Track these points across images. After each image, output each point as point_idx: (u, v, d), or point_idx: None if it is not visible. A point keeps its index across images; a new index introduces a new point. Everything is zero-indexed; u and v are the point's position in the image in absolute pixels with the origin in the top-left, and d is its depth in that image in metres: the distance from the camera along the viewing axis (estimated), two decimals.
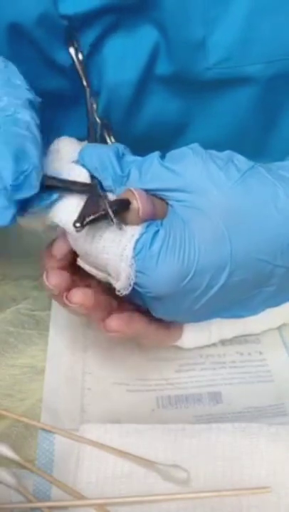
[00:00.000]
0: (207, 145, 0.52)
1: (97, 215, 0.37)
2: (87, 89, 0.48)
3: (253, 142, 0.55)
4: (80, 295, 0.39)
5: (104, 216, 0.37)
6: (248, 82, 0.50)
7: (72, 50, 0.48)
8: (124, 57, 0.49)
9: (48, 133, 0.49)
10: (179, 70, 0.50)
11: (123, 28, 0.48)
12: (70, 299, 0.39)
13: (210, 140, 0.54)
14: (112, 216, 0.37)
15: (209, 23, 0.47)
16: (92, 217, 0.36)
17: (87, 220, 0.36)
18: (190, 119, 0.54)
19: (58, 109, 0.50)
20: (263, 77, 0.50)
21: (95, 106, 0.49)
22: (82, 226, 0.36)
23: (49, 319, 0.49)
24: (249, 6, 0.46)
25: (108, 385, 0.45)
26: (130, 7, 0.46)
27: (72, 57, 0.48)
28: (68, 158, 0.41)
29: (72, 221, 0.36)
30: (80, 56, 0.48)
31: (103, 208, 0.37)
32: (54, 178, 0.40)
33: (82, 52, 0.48)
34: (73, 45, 0.48)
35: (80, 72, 0.48)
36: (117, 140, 0.50)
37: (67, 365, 0.46)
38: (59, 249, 0.41)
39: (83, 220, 0.36)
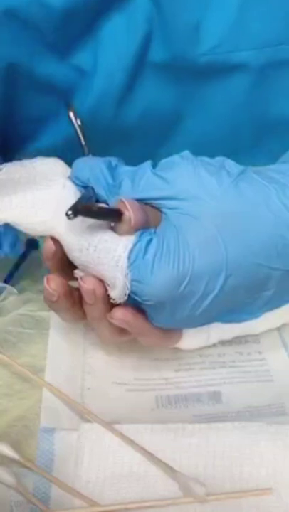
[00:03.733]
0: (202, 137, 0.52)
1: (90, 205, 0.38)
2: (86, 148, 0.49)
3: (247, 135, 0.55)
4: (93, 280, 0.39)
5: (96, 213, 0.38)
6: (240, 69, 0.50)
7: (71, 114, 0.49)
8: (118, 39, 0.49)
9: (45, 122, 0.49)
10: (172, 55, 0.50)
11: (121, 9, 0.48)
12: (85, 282, 0.39)
13: (205, 132, 0.55)
14: (105, 209, 0.38)
15: (204, 6, 0.47)
16: (82, 207, 0.37)
17: (80, 207, 0.36)
18: (184, 109, 0.54)
19: (52, 97, 0.50)
20: (255, 64, 0.50)
21: None
22: (75, 215, 0.36)
23: (49, 319, 0.49)
24: None
25: (108, 385, 0.45)
26: None
27: (71, 121, 0.49)
28: (59, 174, 0.42)
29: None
30: (79, 121, 0.49)
31: (96, 206, 0.38)
32: None
33: (80, 118, 0.49)
34: (72, 111, 0.49)
35: (80, 134, 0.49)
36: (112, 130, 0.50)
37: (67, 364, 0.46)
38: (48, 249, 0.41)
39: (76, 210, 0.36)
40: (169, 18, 0.48)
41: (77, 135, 0.50)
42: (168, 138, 0.53)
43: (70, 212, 0.36)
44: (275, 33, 0.49)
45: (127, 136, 0.44)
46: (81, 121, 0.49)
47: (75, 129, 0.50)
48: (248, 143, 0.53)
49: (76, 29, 0.48)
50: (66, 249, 0.39)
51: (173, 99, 0.53)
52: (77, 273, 0.40)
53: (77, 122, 0.49)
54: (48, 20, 0.47)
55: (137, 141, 0.43)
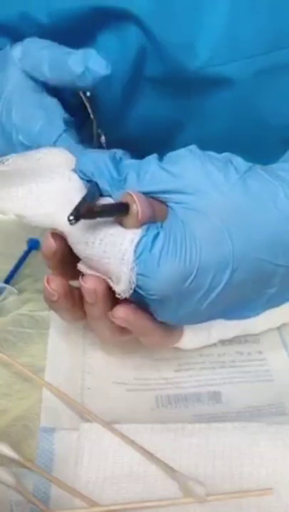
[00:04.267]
0: (201, 146, 0.53)
1: (93, 206, 0.37)
2: (94, 122, 0.49)
3: (245, 141, 0.56)
4: (94, 280, 0.39)
5: (100, 213, 0.37)
6: (235, 79, 0.51)
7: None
8: (110, 58, 0.50)
9: None
10: (167, 71, 0.50)
11: (110, 29, 0.49)
12: (86, 282, 0.39)
13: (203, 140, 0.55)
14: (109, 206, 0.37)
15: (195, 22, 0.48)
16: (84, 211, 0.36)
17: (82, 211, 0.36)
18: (182, 120, 0.55)
19: None
20: (249, 72, 0.51)
21: (103, 138, 0.50)
22: (76, 220, 0.36)
23: (49, 318, 0.49)
24: (232, 1, 0.47)
25: (108, 385, 0.45)
26: (114, 10, 0.47)
27: (80, 95, 0.49)
28: (65, 166, 0.42)
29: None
30: (88, 93, 0.49)
31: (99, 205, 0.38)
32: None
33: (89, 90, 0.49)
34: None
35: (88, 107, 0.50)
36: (111, 141, 0.51)
37: (67, 364, 0.46)
38: (48, 248, 0.41)
39: (77, 214, 0.36)
40: (161, 38, 0.49)
41: (87, 108, 0.50)
42: (166, 147, 0.53)
43: (71, 218, 0.35)
44: (266, 41, 0.50)
45: (126, 145, 0.44)
46: (90, 94, 0.50)
47: (83, 102, 0.50)
48: (246, 149, 0.54)
49: (68, 45, 0.49)
50: (71, 242, 0.39)
51: (171, 111, 0.53)
52: (80, 266, 0.40)
53: (85, 95, 0.50)
54: (37, 36, 0.48)
55: (137, 149, 0.44)
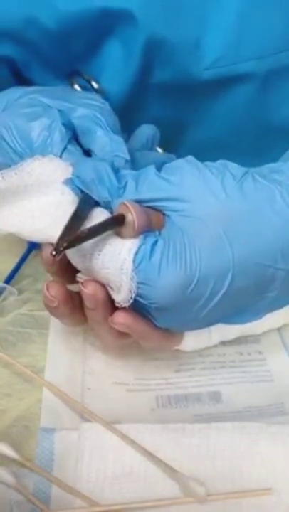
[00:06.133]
0: (204, 145, 0.53)
1: (78, 234, 0.36)
2: None
3: (251, 141, 0.56)
4: (94, 285, 0.39)
5: (87, 236, 0.37)
6: (243, 79, 0.51)
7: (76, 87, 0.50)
8: (116, 64, 0.50)
9: None
10: (175, 75, 0.50)
11: (116, 35, 0.49)
12: (85, 287, 0.39)
13: (208, 139, 0.55)
14: (98, 225, 0.37)
15: (202, 22, 0.48)
16: (66, 244, 0.36)
17: (64, 246, 0.35)
18: (188, 120, 0.55)
19: None
20: (258, 73, 0.50)
21: None
22: (58, 254, 0.35)
23: (49, 319, 0.49)
24: (240, 1, 0.47)
25: (108, 385, 0.45)
26: (119, 12, 0.47)
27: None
28: (53, 178, 0.41)
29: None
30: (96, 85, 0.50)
31: (84, 231, 0.37)
32: None
33: (95, 81, 0.50)
34: (77, 83, 0.49)
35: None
36: None
37: (67, 365, 0.46)
38: (48, 254, 0.41)
39: (58, 248, 0.35)
40: (167, 41, 0.48)
41: None
42: (170, 146, 0.53)
43: (54, 253, 0.35)
44: (275, 41, 0.49)
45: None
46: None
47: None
48: (251, 149, 0.54)
49: (75, 51, 0.49)
50: (68, 255, 0.39)
51: (177, 113, 0.53)
52: (79, 277, 0.40)
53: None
54: (45, 41, 0.48)
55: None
